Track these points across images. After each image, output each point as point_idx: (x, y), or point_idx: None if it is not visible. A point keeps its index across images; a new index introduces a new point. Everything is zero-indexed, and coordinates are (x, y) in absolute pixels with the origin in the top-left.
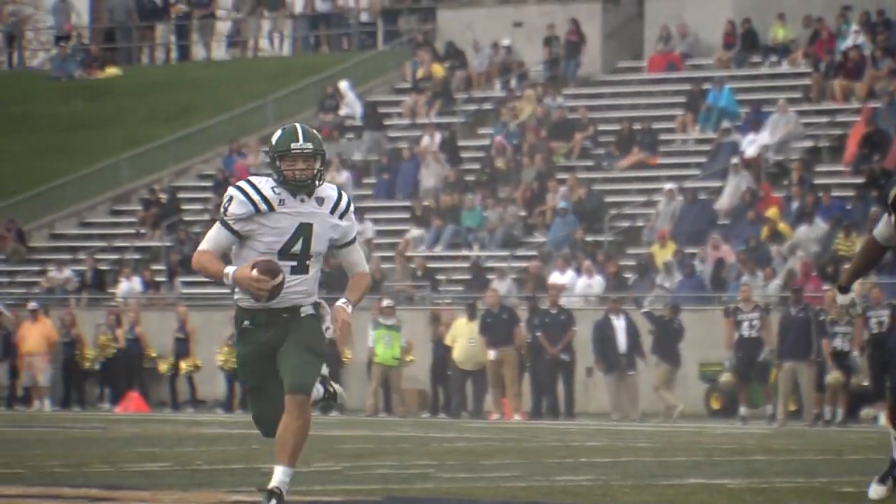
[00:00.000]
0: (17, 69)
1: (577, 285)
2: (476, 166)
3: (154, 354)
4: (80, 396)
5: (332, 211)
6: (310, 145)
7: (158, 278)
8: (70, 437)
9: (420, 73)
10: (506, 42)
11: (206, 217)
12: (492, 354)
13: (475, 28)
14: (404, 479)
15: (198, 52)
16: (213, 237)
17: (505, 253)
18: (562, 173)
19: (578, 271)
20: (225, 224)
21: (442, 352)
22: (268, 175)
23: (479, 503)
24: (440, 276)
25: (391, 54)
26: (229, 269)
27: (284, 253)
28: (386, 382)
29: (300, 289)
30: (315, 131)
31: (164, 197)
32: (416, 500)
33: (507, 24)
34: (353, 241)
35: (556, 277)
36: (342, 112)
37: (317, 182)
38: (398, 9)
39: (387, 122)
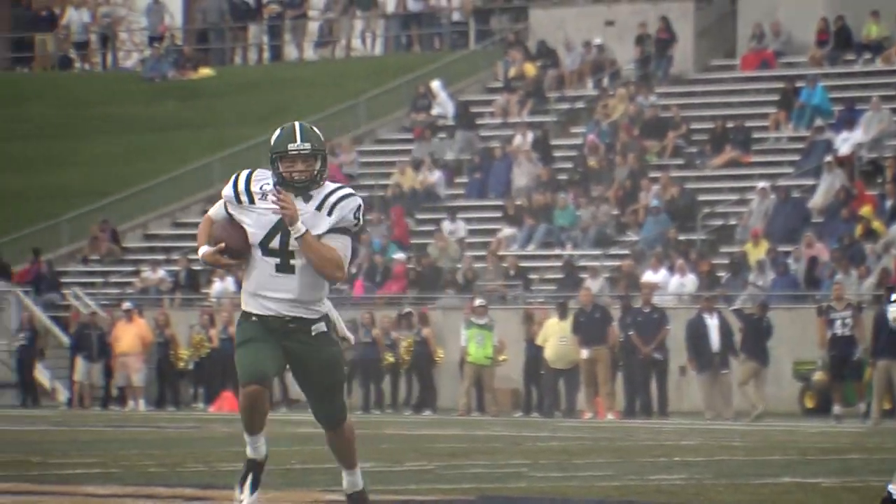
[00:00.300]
0: (111, 70)
1: (669, 284)
2: (568, 165)
3: None
4: (174, 396)
5: (320, 207)
6: (308, 145)
7: None
8: (164, 436)
9: (512, 72)
10: (598, 41)
11: None
12: (585, 353)
13: (567, 27)
14: (497, 479)
15: (290, 52)
16: (215, 207)
17: (597, 252)
18: (654, 172)
19: (671, 270)
20: (225, 202)
21: (534, 351)
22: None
23: (572, 502)
24: (533, 276)
25: (483, 53)
26: (201, 250)
27: (265, 247)
28: (479, 382)
29: (286, 290)
30: (316, 130)
31: None
32: (510, 500)
33: (598, 22)
34: (341, 230)
35: (648, 276)
36: (434, 112)
37: (318, 183)
38: (490, 8)
39: (479, 121)
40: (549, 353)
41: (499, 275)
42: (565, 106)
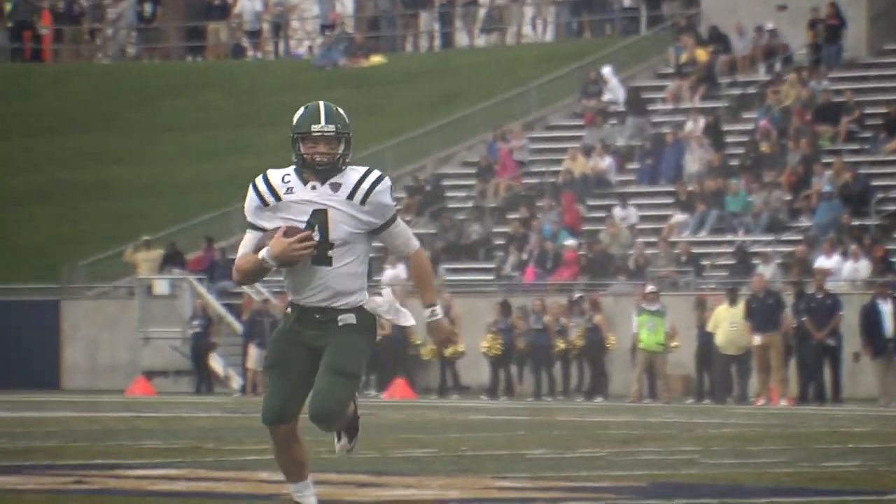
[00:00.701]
0: (283, 59)
1: (843, 269)
2: (740, 150)
3: (419, 341)
4: None
5: (352, 196)
6: (332, 127)
7: None
8: None
9: (683, 57)
10: (769, 25)
11: (470, 204)
12: (757, 339)
13: (739, 12)
14: (669, 465)
15: (461, 39)
16: (244, 243)
17: (770, 237)
18: (827, 157)
19: (845, 255)
20: (250, 226)
21: (706, 337)
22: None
23: (745, 489)
24: (704, 262)
25: (654, 39)
26: (262, 253)
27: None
28: (650, 368)
29: (325, 282)
30: (341, 111)
31: (427, 184)
32: (682, 486)
33: (770, 7)
34: (390, 222)
35: (821, 262)
36: (605, 98)
37: (340, 167)
38: None
39: (650, 107)
40: (720, 340)
41: (670, 261)
42: (737, 91)
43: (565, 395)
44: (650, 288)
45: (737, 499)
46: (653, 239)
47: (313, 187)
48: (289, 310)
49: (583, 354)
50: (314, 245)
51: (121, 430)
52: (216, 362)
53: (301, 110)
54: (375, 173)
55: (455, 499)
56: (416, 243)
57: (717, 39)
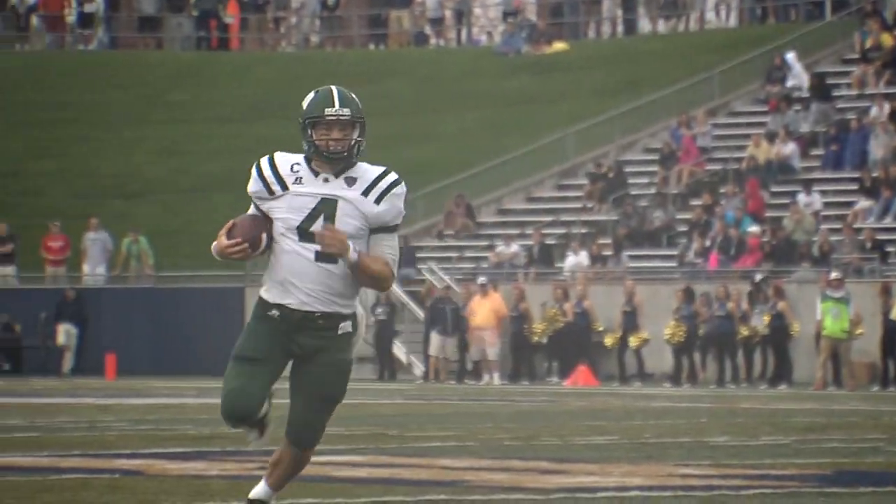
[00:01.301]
0: (466, 46)
1: None
2: None
3: (601, 328)
4: (528, 370)
5: (366, 193)
6: (347, 111)
7: (605, 252)
8: (519, 410)
9: (869, 42)
10: None
11: (653, 190)
12: None
13: None
14: (854, 453)
15: (643, 25)
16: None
17: None
18: None
19: None
20: (254, 205)
21: (892, 324)
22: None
23: None
24: (889, 248)
25: (839, 24)
26: (214, 244)
27: (303, 232)
28: (835, 355)
29: (326, 281)
30: (353, 96)
31: (610, 171)
32: (866, 475)
33: None
34: (390, 230)
35: None
36: (789, 83)
37: (353, 156)
38: None
39: (835, 92)
40: None
41: (855, 247)
42: None
43: (749, 383)
44: (834, 274)
45: None
46: (837, 225)
47: (326, 180)
48: (274, 312)
49: (767, 341)
50: (243, 250)
51: None
52: (399, 349)
53: (311, 95)
54: (394, 174)
55: (637, 486)
56: (394, 265)
57: None
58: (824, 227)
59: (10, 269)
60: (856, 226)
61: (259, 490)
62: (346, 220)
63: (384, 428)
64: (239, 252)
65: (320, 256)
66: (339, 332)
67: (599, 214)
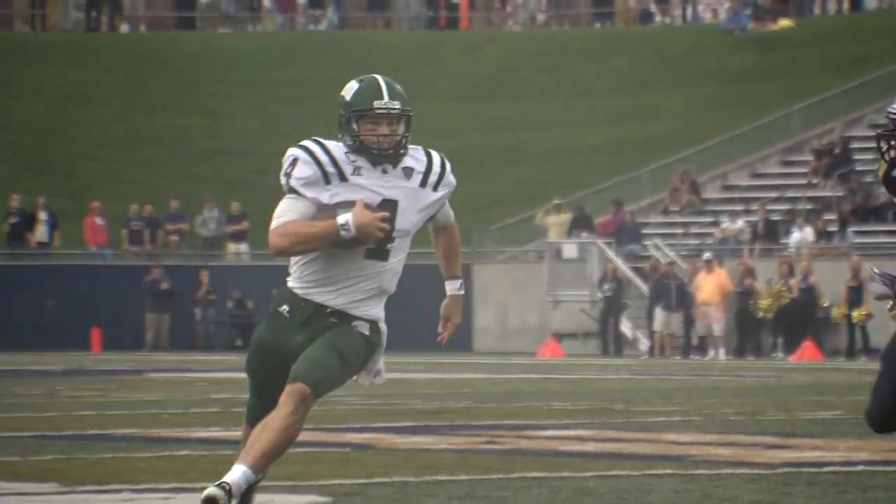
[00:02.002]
0: (691, 23)
1: None
2: None
3: (827, 303)
4: (754, 345)
5: (423, 183)
6: (397, 104)
7: (830, 228)
8: (744, 385)
9: None
10: None
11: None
12: None
13: None
14: None
15: (870, 1)
16: (286, 208)
17: None
18: None
19: None
20: (293, 191)
21: None
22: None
23: None
24: None
25: None
26: (343, 217)
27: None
28: None
29: (373, 282)
30: (400, 87)
31: (835, 147)
32: None
33: None
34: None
35: None
36: None
37: (402, 151)
38: None
39: None
40: None
41: None
42: None
43: None
44: None
45: None
46: None
47: (384, 171)
48: (285, 307)
49: None
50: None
51: (530, 392)
52: (624, 325)
53: (354, 84)
54: (439, 154)
55: (863, 461)
56: (453, 214)
57: None
58: None
59: (243, 247)
60: None
61: (233, 472)
62: (406, 218)
63: (610, 403)
64: (386, 228)
65: (371, 253)
66: (353, 325)
67: (824, 190)
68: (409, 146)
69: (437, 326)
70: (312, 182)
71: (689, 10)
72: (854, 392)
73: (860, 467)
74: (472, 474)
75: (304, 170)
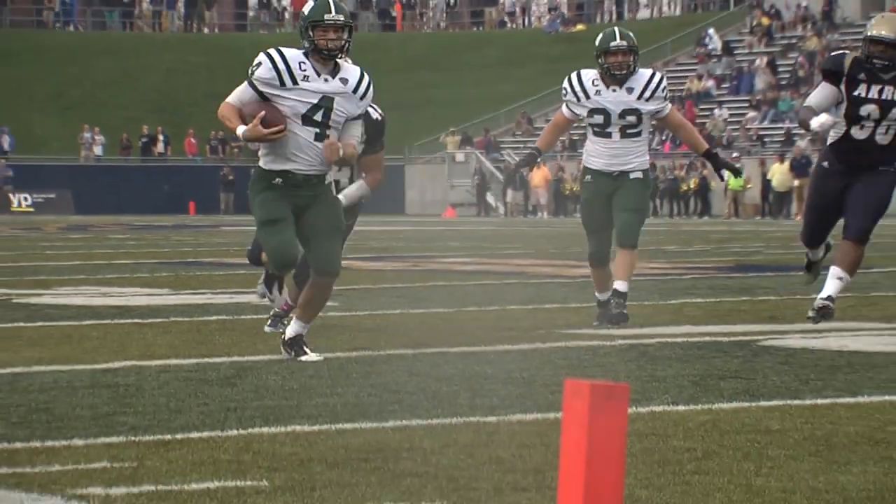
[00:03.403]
0: (527, 28)
1: None
2: None
3: None
4: (566, 211)
5: (355, 91)
6: (341, 17)
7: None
8: (560, 233)
9: (755, 22)
10: (804, 2)
11: None
12: None
13: None
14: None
15: (632, 13)
16: (238, 93)
17: None
18: None
19: None
20: (251, 84)
21: (767, 182)
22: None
23: None
24: (766, 140)
25: (738, 12)
26: (240, 130)
27: (308, 118)
28: (735, 200)
29: (319, 156)
30: (344, 4)
31: None
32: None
33: None
34: (356, 118)
35: None
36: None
37: (345, 52)
38: None
39: (736, 51)
40: None
41: (746, 139)
42: None
43: None
44: (735, 154)
45: None
46: (736, 127)
47: (325, 80)
48: (278, 180)
49: None
50: (284, 134)
51: (437, 236)
52: (490, 198)
53: (310, 3)
54: (368, 76)
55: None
56: (357, 145)
57: None
58: (729, 128)
59: None
60: (747, 127)
61: (295, 327)
62: (338, 112)
63: (481, 242)
64: (280, 136)
65: (318, 137)
66: (326, 181)
67: None
68: (350, 66)
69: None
70: (269, 83)
71: (527, 20)
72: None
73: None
74: (404, 283)
75: (264, 72)
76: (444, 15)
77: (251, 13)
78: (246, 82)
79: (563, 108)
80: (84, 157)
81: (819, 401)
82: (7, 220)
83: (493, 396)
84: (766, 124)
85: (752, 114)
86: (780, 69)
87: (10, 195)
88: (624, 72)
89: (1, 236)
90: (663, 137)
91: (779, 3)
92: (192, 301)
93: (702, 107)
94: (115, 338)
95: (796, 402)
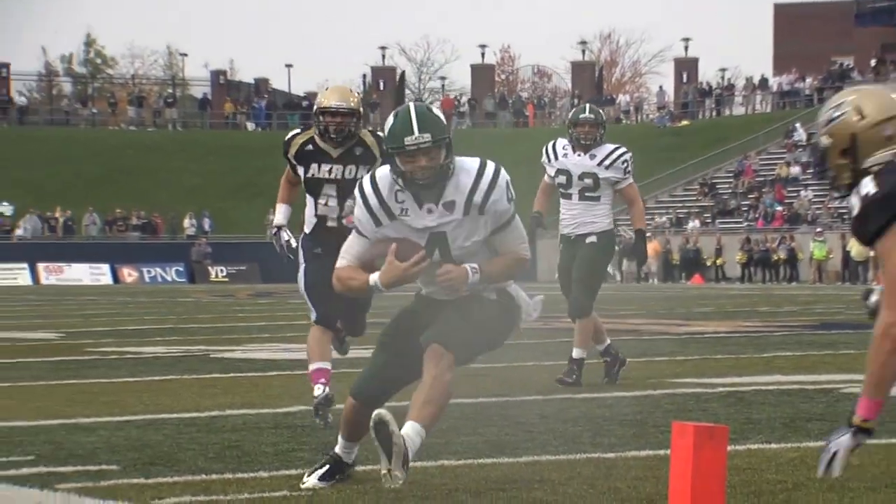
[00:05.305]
0: (643, 122)
1: None
2: None
3: None
4: None
5: (468, 211)
6: (428, 136)
7: None
8: None
9: None
10: None
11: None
12: None
13: None
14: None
15: (730, 110)
16: (348, 247)
17: None
18: None
19: None
20: (357, 231)
21: (847, 254)
22: None
23: None
24: (845, 216)
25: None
26: (373, 278)
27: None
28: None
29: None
30: (435, 112)
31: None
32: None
33: None
34: (508, 223)
35: None
36: None
37: (445, 176)
38: None
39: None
40: None
41: (830, 216)
42: None
43: None
44: (818, 229)
45: None
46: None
47: (429, 210)
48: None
49: None
50: (427, 263)
51: None
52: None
53: (390, 119)
54: (488, 174)
55: None
56: (526, 251)
57: None
58: (814, 207)
59: None
60: (829, 206)
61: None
62: (459, 246)
63: None
64: (423, 264)
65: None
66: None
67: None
68: (464, 166)
69: None
70: (365, 224)
71: (641, 116)
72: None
73: None
74: (536, 339)
75: (358, 213)
76: (570, 113)
77: None
78: (353, 232)
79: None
80: (269, 235)
81: (893, 440)
82: (206, 288)
83: (612, 436)
84: (845, 204)
85: (834, 195)
86: None
87: (209, 268)
88: (589, 141)
89: (201, 302)
90: (757, 215)
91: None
92: (362, 355)
93: (789, 189)
94: (295, 386)
95: (873, 441)
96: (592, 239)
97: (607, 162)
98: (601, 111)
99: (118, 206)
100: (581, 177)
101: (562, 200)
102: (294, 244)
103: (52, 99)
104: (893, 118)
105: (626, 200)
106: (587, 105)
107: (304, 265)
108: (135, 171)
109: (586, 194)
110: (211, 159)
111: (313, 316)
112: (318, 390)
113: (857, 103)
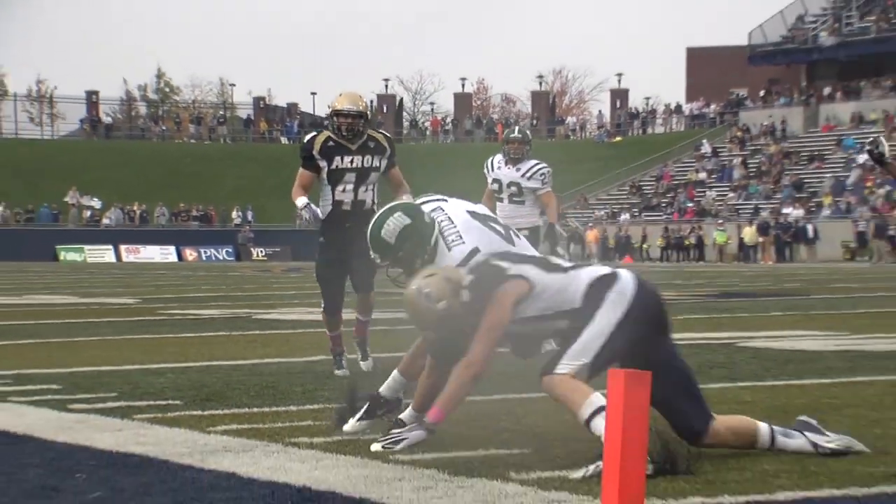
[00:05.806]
0: (586, 137)
1: None
2: None
3: None
4: None
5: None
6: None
7: None
8: None
9: None
10: None
11: None
12: None
13: None
14: None
15: (653, 129)
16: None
17: None
18: None
19: None
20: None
21: None
22: None
23: None
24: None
25: None
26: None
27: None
28: None
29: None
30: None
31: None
32: None
33: None
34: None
35: None
36: None
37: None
38: None
39: None
40: None
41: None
42: None
43: None
44: None
45: None
46: None
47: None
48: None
49: None
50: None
51: None
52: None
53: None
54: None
55: None
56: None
57: None
58: (716, 204)
59: None
60: (728, 203)
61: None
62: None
63: None
64: None
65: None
66: None
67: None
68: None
69: None
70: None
71: (584, 134)
72: None
73: None
74: None
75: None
76: (529, 130)
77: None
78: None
79: None
80: (297, 224)
81: (777, 382)
82: (249, 265)
83: None
84: (740, 201)
85: (731, 194)
86: (750, 165)
87: (252, 249)
88: (518, 156)
89: (245, 275)
90: (673, 210)
91: (749, 122)
92: (384, 317)
93: (698, 190)
94: (319, 341)
95: (761, 383)
96: (524, 233)
97: (529, 174)
98: (528, 132)
99: (181, 202)
100: (509, 185)
101: (496, 202)
102: (321, 216)
103: (131, 119)
104: None
105: (544, 203)
106: (517, 126)
107: (318, 256)
108: (194, 175)
109: (514, 198)
110: (253, 166)
111: (322, 304)
112: (336, 356)
113: None
